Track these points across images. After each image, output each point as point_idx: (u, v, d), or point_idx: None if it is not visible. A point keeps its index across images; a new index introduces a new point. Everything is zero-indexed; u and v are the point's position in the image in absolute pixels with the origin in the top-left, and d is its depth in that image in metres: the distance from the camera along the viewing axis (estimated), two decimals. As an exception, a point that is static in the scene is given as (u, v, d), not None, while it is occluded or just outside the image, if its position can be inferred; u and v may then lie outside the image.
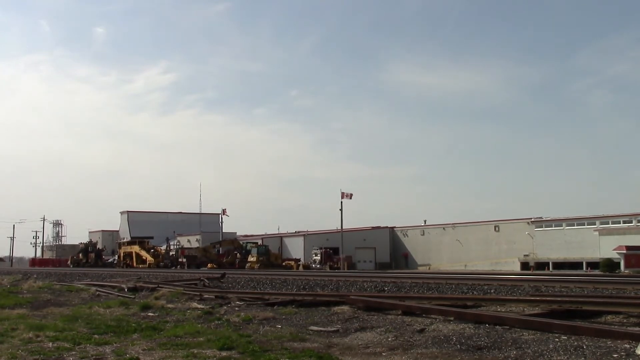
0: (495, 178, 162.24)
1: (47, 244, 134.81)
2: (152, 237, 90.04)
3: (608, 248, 60.57)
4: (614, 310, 10.74)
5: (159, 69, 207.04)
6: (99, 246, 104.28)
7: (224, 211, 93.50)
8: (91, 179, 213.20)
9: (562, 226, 72.66)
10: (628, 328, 9.00)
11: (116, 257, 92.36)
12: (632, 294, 14.65)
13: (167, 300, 16.83)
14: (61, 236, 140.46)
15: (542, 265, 68.02)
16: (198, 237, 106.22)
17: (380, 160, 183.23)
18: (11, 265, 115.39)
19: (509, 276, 26.13)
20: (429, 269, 76.19)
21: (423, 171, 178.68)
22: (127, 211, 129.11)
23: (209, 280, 23.96)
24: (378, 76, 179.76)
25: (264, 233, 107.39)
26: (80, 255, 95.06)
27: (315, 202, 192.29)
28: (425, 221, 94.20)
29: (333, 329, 10.66)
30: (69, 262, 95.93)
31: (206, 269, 65.01)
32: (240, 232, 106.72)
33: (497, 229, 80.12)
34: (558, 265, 66.71)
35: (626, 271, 52.97)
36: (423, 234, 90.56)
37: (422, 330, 9.80)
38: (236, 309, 14.42)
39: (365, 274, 34.27)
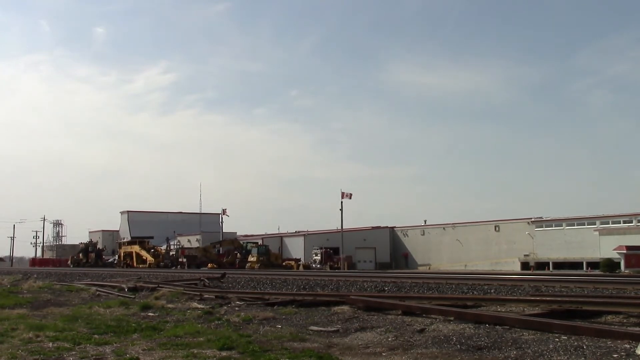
0: (495, 178, 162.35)
1: (47, 244, 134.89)
2: (152, 237, 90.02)
3: (608, 248, 60.57)
4: (614, 310, 10.74)
5: (159, 69, 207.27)
6: (99, 246, 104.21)
7: (224, 211, 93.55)
8: (91, 179, 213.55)
9: (562, 226, 72.66)
10: (628, 328, 9.00)
11: (116, 257, 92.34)
12: (632, 294, 14.65)
13: (167, 300, 16.83)
14: (61, 236, 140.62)
15: (542, 265, 68.01)
16: (198, 237, 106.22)
17: (380, 160, 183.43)
18: (11, 265, 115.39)
19: (509, 276, 26.12)
20: (429, 269, 76.17)
21: (423, 171, 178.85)
22: (127, 211, 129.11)
23: (209, 280, 23.96)
24: (378, 76, 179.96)
25: (264, 233, 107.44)
26: (81, 255, 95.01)
27: (315, 202, 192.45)
28: (425, 221, 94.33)
29: (333, 329, 10.66)
30: (69, 262, 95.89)
31: (206, 269, 65.00)
32: (240, 232, 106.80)
33: (497, 229, 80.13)
34: (558, 265, 66.71)
35: (626, 271, 52.96)
36: (423, 234, 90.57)
37: (422, 330, 9.80)
38: (236, 309, 14.42)
39: (365, 274, 34.26)
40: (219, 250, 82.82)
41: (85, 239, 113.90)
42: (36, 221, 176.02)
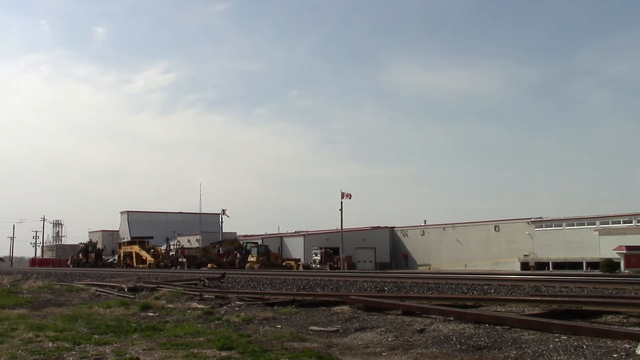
0: (495, 178, 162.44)
1: (47, 244, 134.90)
2: (152, 237, 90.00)
3: (608, 248, 60.56)
4: (614, 310, 10.74)
5: (159, 69, 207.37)
6: (99, 246, 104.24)
7: (223, 211, 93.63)
8: (91, 179, 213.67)
9: (562, 226, 72.66)
10: (628, 328, 9.00)
11: (116, 257, 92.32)
12: (632, 294, 14.65)
13: (167, 300, 16.82)
14: (61, 236, 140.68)
15: (542, 265, 68.02)
16: (198, 237, 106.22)
17: (380, 160, 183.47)
18: (11, 265, 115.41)
19: (509, 276, 26.13)
20: (429, 269, 76.18)
21: (423, 171, 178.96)
22: (127, 211, 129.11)
23: (209, 280, 23.96)
24: (378, 76, 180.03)
25: (264, 233, 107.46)
26: (80, 255, 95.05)
27: (315, 202, 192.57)
28: (425, 221, 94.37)
29: (333, 329, 10.65)
30: (69, 262, 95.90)
31: (206, 269, 65.00)
32: (240, 232, 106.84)
33: (497, 229, 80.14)
34: (558, 265, 66.72)
35: (626, 271, 52.94)
36: (423, 234, 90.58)
37: (422, 330, 9.80)
38: (236, 309, 14.41)
39: (365, 274, 34.26)
40: (218, 251, 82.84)
41: (85, 239, 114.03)
42: (36, 221, 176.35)
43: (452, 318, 10.65)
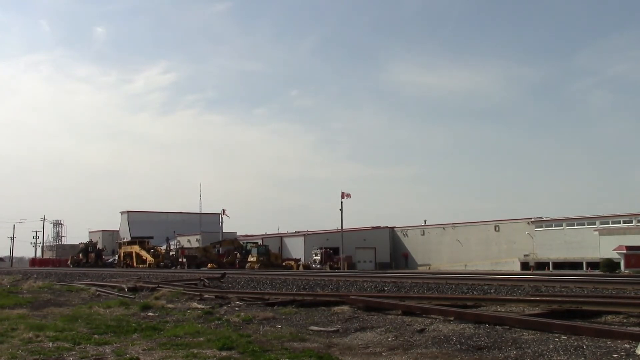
0: (495, 178, 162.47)
1: (47, 244, 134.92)
2: (152, 237, 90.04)
3: (608, 248, 60.57)
4: (614, 310, 10.73)
5: (159, 69, 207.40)
6: (99, 246, 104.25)
7: (223, 211, 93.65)
8: (91, 179, 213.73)
9: (562, 226, 72.67)
10: (628, 328, 9.00)
11: (116, 257, 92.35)
12: (632, 294, 14.64)
13: (167, 300, 16.82)
14: (61, 236, 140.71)
15: (542, 265, 68.03)
16: (198, 237, 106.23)
17: (380, 160, 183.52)
18: (11, 265, 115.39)
19: (509, 276, 26.11)
20: (429, 269, 76.18)
21: (423, 171, 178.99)
22: (127, 211, 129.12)
23: (209, 280, 23.95)
24: (378, 76, 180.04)
25: (264, 233, 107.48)
26: (80, 255, 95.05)
27: (315, 202, 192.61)
28: (425, 221, 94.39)
29: (333, 329, 10.65)
30: (69, 262, 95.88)
31: (206, 269, 65.00)
32: (240, 232, 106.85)
33: (497, 229, 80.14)
34: (558, 265, 66.72)
35: (626, 271, 52.95)
36: (423, 234, 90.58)
37: (422, 330, 9.80)
38: (236, 309, 14.41)
39: (365, 274, 34.26)
40: (219, 250, 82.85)
41: (85, 239, 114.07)
42: (36, 221, 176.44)
43: (452, 318, 10.65)
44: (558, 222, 73.83)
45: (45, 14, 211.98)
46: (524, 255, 73.09)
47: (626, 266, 55.79)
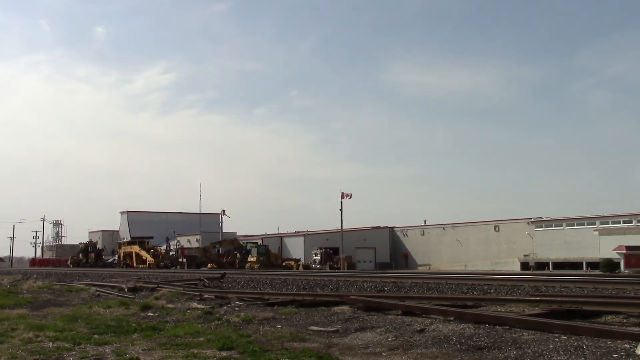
0: (495, 178, 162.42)
1: (47, 244, 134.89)
2: (152, 237, 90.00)
3: (608, 248, 60.54)
4: (614, 310, 10.74)
5: (159, 69, 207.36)
6: (99, 246, 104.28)
7: (223, 211, 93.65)
8: (91, 179, 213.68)
9: (562, 226, 72.65)
10: (628, 328, 9.00)
11: (116, 257, 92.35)
12: (632, 294, 14.65)
13: (167, 300, 16.83)
14: (61, 236, 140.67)
15: (542, 265, 68.01)
16: (198, 237, 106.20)
17: (380, 160, 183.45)
18: (11, 265, 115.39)
19: (509, 276, 26.12)
20: (429, 269, 76.18)
21: (423, 171, 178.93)
22: (127, 211, 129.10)
23: (209, 280, 23.96)
24: (378, 76, 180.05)
25: (264, 233, 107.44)
26: (80, 255, 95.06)
27: (315, 202, 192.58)
28: (425, 221, 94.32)
29: (333, 329, 10.66)
30: (69, 262, 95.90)
31: (206, 269, 65.01)
32: (240, 232, 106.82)
33: (497, 229, 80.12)
34: (558, 265, 66.71)
35: (626, 271, 52.93)
36: (423, 234, 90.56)
37: (422, 330, 9.80)
38: (236, 309, 14.41)
39: (365, 274, 34.26)
40: (218, 251, 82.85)
41: (85, 239, 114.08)
42: (36, 221, 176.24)
43: (452, 318, 10.65)
44: (558, 222, 73.82)
45: (45, 14, 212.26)
46: (524, 255, 73.07)
47: (626, 266, 55.77)
